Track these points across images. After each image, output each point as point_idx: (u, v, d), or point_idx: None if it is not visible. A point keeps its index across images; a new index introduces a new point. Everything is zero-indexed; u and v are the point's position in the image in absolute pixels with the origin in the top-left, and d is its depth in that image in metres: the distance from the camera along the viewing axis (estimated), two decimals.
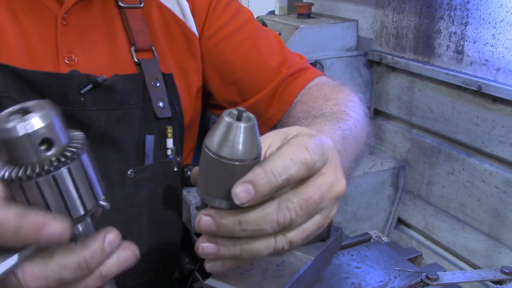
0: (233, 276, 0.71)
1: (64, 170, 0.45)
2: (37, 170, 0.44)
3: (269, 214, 0.48)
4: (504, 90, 1.36)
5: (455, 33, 1.52)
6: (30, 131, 0.43)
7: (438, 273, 0.80)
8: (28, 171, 0.44)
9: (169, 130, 0.87)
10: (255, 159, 0.47)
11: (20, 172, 0.44)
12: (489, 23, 1.41)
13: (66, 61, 0.80)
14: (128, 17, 0.86)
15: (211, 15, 0.94)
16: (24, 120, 0.43)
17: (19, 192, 0.45)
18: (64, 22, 0.81)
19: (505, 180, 1.42)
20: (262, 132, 0.52)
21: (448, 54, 1.55)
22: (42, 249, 0.46)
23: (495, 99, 1.40)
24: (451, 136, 1.57)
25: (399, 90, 1.74)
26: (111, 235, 0.49)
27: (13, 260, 0.45)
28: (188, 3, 0.92)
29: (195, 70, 0.94)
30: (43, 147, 0.44)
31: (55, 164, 0.44)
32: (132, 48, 0.85)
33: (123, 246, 0.50)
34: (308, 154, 0.49)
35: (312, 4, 1.86)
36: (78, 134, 0.48)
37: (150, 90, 0.84)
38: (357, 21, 1.77)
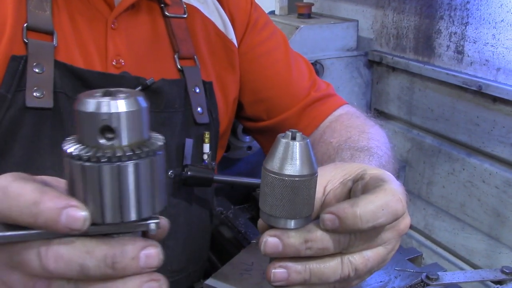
0: (233, 276, 0.71)
1: (106, 167, 0.40)
2: (88, 153, 0.40)
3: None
4: (504, 90, 1.36)
5: (455, 33, 1.51)
6: (93, 111, 0.40)
7: (438, 273, 0.80)
8: (81, 152, 0.41)
9: (207, 135, 0.90)
10: (314, 174, 0.50)
11: (75, 149, 0.41)
12: (489, 23, 1.40)
13: (113, 63, 0.83)
14: (173, 26, 0.89)
15: (249, 33, 0.98)
16: (98, 100, 0.40)
17: (67, 173, 0.42)
18: (113, 26, 0.84)
19: (505, 180, 1.41)
20: None
21: (448, 54, 1.55)
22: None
23: (495, 99, 1.40)
24: (451, 136, 1.57)
25: (399, 90, 1.74)
26: (153, 250, 0.43)
27: (25, 233, 0.41)
28: (227, 16, 0.96)
29: (233, 81, 0.97)
30: (106, 135, 0.41)
31: (106, 156, 0.40)
32: (176, 55, 0.89)
33: (154, 275, 0.44)
34: (401, 205, 0.51)
35: (313, 4, 1.86)
36: (159, 140, 0.44)
37: (191, 95, 0.88)
38: (357, 21, 1.77)
